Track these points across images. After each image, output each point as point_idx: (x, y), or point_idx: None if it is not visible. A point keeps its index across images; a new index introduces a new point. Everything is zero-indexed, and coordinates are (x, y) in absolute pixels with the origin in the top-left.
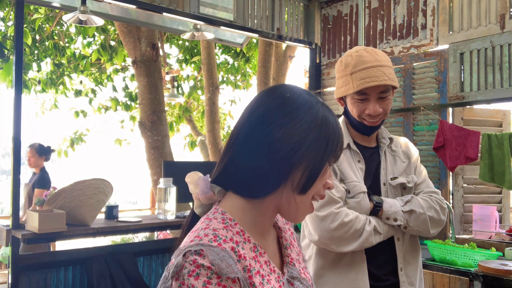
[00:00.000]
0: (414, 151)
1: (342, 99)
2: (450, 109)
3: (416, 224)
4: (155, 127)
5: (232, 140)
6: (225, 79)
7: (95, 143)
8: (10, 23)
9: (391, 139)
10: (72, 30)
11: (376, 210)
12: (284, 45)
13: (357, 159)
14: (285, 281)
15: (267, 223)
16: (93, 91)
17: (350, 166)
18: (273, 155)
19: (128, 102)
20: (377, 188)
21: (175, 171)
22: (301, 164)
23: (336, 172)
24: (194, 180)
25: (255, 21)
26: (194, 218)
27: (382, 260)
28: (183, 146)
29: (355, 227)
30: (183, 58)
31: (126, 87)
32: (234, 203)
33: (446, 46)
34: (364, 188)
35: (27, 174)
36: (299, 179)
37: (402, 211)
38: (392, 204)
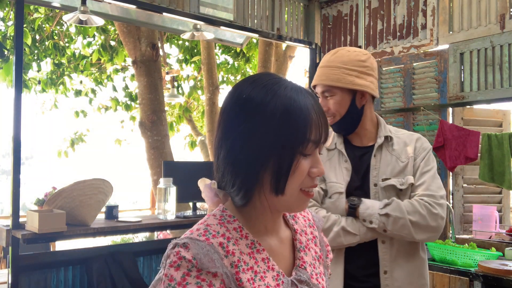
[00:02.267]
0: (422, 149)
1: None
2: (450, 109)
3: (395, 228)
4: (155, 127)
5: (214, 146)
6: (225, 79)
7: (95, 143)
8: (10, 23)
9: (389, 138)
10: (72, 30)
11: (351, 211)
12: (284, 45)
13: (344, 159)
14: (287, 281)
15: (267, 222)
16: (93, 91)
17: (333, 166)
18: (234, 161)
19: (128, 102)
20: (367, 189)
21: (175, 171)
22: (267, 166)
23: None
24: (203, 185)
25: (255, 21)
26: None
27: (362, 262)
28: (183, 146)
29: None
30: (183, 58)
31: (126, 87)
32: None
33: (446, 46)
34: (341, 189)
35: (27, 174)
36: (270, 181)
37: (379, 214)
38: (369, 206)
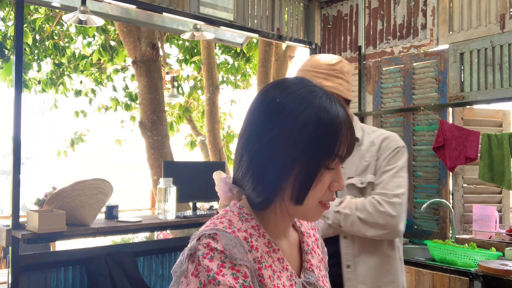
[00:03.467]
0: (387, 149)
1: None
2: (450, 109)
3: (347, 224)
4: (155, 127)
5: (238, 145)
6: (225, 79)
7: (95, 143)
8: (10, 23)
9: (357, 139)
10: (72, 30)
11: None
12: (284, 45)
13: None
14: (298, 282)
15: (282, 226)
16: (93, 91)
17: None
18: (261, 169)
19: (128, 102)
20: None
21: (175, 171)
22: (291, 175)
23: None
24: (218, 179)
25: (255, 21)
26: None
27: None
28: (183, 146)
29: None
30: (183, 58)
31: (126, 87)
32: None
33: (446, 46)
34: None
35: (27, 174)
36: (291, 190)
37: (334, 211)
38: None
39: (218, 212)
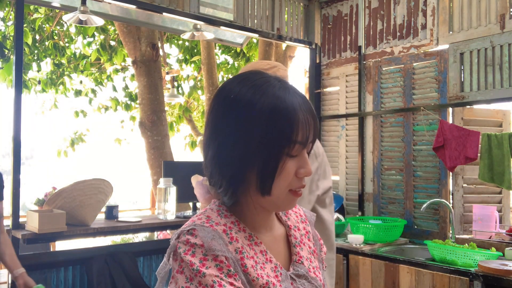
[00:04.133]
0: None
1: None
2: (450, 109)
3: None
4: (155, 127)
5: (203, 146)
6: (225, 79)
7: (95, 143)
8: (10, 23)
9: None
10: (72, 30)
11: None
12: (284, 45)
13: None
14: (284, 273)
15: (261, 220)
16: (93, 91)
17: None
18: (220, 162)
19: (128, 102)
20: None
21: (175, 171)
22: (253, 167)
23: None
24: (195, 183)
25: (255, 21)
26: None
27: None
28: (183, 146)
29: None
30: (183, 58)
31: (126, 87)
32: None
33: (446, 46)
34: None
35: (27, 174)
36: (256, 182)
37: None
38: None
39: None
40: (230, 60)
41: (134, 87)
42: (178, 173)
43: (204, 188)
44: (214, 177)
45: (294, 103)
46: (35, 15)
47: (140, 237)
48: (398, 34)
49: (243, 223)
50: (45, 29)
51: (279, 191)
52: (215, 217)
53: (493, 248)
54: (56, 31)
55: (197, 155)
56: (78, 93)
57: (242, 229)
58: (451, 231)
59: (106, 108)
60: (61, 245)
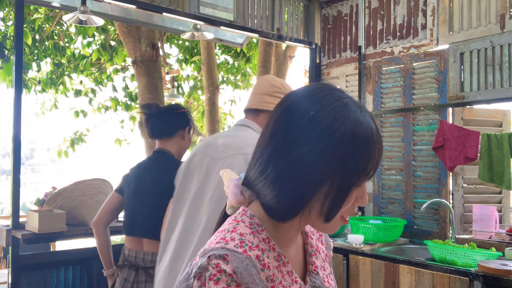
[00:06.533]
0: None
1: None
2: (450, 109)
3: None
4: None
5: (259, 149)
6: (225, 79)
7: (95, 143)
8: (10, 23)
9: None
10: (72, 30)
11: None
12: (284, 45)
13: None
14: None
15: (292, 235)
16: (93, 91)
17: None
18: (290, 184)
19: (128, 102)
20: None
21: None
22: (321, 192)
23: None
24: (228, 179)
25: (255, 21)
26: (225, 218)
27: None
28: None
29: None
30: (183, 58)
31: (126, 87)
32: (262, 210)
33: (446, 46)
34: None
35: (27, 174)
36: (321, 207)
37: None
38: None
39: (226, 214)
40: (230, 60)
41: (134, 87)
42: None
43: (238, 188)
44: (269, 191)
45: (373, 131)
46: (35, 15)
47: None
48: (398, 34)
49: (274, 239)
50: (45, 29)
51: (337, 217)
52: (249, 236)
53: (493, 248)
54: (56, 31)
55: None
56: (78, 93)
57: (272, 248)
58: (451, 231)
59: (106, 108)
60: (61, 245)
